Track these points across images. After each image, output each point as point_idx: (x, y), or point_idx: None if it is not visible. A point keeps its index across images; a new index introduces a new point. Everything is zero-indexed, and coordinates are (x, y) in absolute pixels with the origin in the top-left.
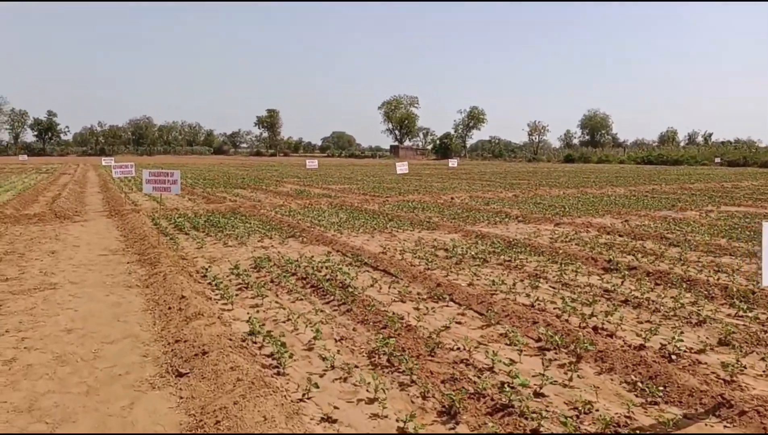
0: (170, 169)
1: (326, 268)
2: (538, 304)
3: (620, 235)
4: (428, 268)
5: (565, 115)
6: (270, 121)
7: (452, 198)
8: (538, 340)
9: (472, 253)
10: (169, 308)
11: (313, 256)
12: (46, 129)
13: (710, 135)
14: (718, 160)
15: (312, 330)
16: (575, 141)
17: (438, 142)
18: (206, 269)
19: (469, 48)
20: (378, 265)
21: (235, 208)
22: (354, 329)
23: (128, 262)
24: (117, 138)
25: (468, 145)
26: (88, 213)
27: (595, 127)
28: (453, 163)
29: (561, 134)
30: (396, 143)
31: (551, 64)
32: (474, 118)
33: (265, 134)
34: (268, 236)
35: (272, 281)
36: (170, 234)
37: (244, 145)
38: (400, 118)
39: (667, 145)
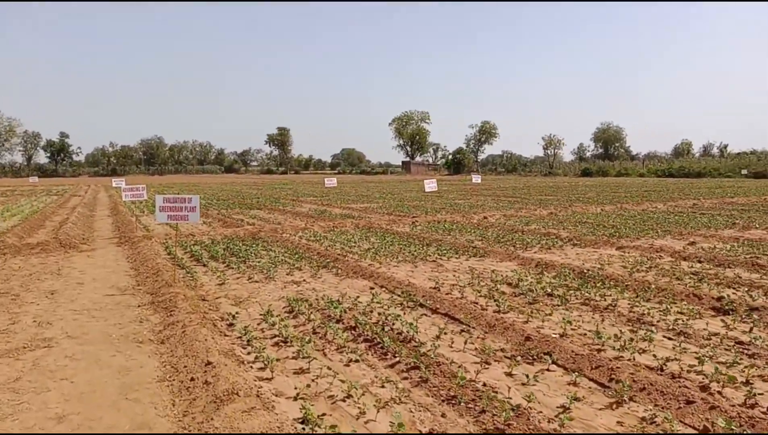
0: (185, 193)
1: (376, 311)
2: (669, 367)
3: (699, 262)
4: (500, 311)
5: (573, 128)
6: (281, 139)
7: (485, 217)
8: (705, 430)
9: (544, 288)
10: (192, 380)
11: (356, 296)
12: (59, 150)
13: (725, 146)
14: (744, 171)
15: (386, 415)
16: (587, 154)
17: (450, 157)
18: (233, 316)
19: (479, 61)
20: (437, 306)
21: (255, 233)
22: (443, 415)
23: (139, 305)
24: (128, 158)
25: (478, 160)
26: (96, 240)
27: (608, 140)
28: (477, 178)
29: (573, 148)
30: (407, 159)
31: (559, 77)
32: (486, 133)
33: (276, 152)
34: (297, 268)
35: (315, 332)
36: (186, 266)
37: (255, 163)
38: (411, 134)
39: (683, 158)
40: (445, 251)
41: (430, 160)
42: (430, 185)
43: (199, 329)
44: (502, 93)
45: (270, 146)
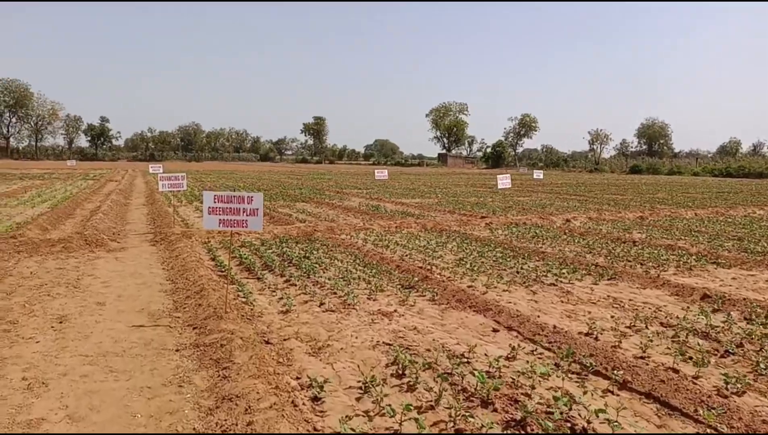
0: (245, 192)
1: (529, 378)
2: None
3: None
4: (725, 389)
5: (614, 124)
6: (316, 129)
7: (568, 220)
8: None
9: (751, 343)
10: None
11: (482, 345)
12: (99, 134)
13: None
14: None
15: None
16: (630, 151)
17: (489, 150)
18: (318, 385)
19: (517, 54)
20: (626, 378)
21: (309, 233)
22: None
23: (178, 349)
24: (166, 144)
25: (516, 154)
26: (127, 236)
27: (652, 136)
28: (538, 174)
29: (616, 144)
30: (444, 151)
31: (599, 70)
32: (525, 126)
33: (311, 141)
34: (378, 288)
35: (453, 422)
36: (236, 280)
37: (289, 152)
38: (448, 126)
39: (739, 157)
40: (557, 269)
41: (465, 153)
42: (504, 182)
43: (274, 417)
44: (538, 86)
45: (305, 135)
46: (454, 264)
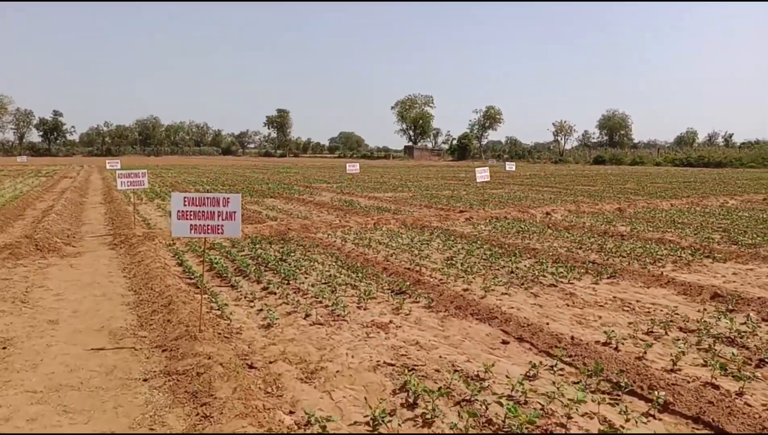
0: (221, 193)
1: (562, 409)
2: None
3: None
4: None
5: (572, 115)
6: (280, 122)
7: (548, 214)
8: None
9: None
10: None
11: (494, 363)
12: (52, 129)
13: (731, 136)
14: None
15: None
16: (592, 141)
17: (455, 142)
18: (318, 420)
19: (479, 46)
20: (668, 400)
21: (283, 232)
22: None
23: (146, 379)
24: (124, 138)
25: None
26: (83, 239)
27: (613, 127)
28: (510, 166)
29: (579, 135)
30: (410, 144)
31: (562, 61)
32: (490, 118)
33: (274, 134)
34: (368, 295)
35: None
36: (209, 289)
37: (252, 145)
38: (414, 118)
39: (698, 147)
40: (552, 267)
41: (430, 146)
42: (482, 175)
43: None
44: (502, 78)
45: (269, 128)
46: (444, 264)
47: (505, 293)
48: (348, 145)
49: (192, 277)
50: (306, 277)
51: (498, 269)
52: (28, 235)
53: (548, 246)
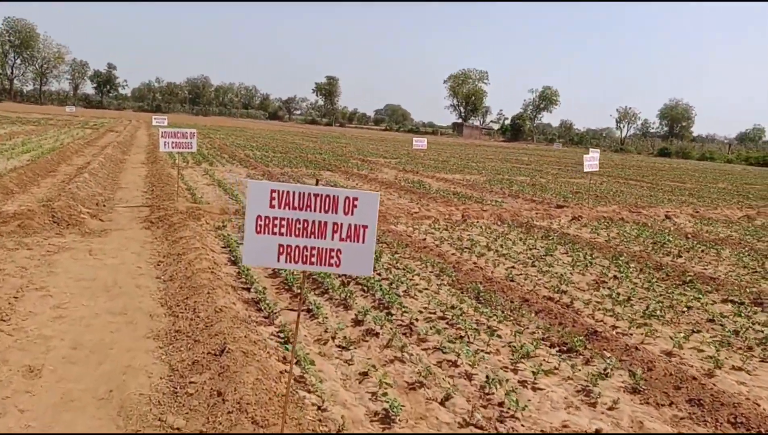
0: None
1: None
2: None
3: None
4: None
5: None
6: (329, 89)
7: (668, 217)
8: None
9: None
10: None
11: None
12: (105, 81)
13: None
14: None
15: None
16: (651, 131)
17: (507, 122)
18: None
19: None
20: None
21: None
22: None
23: None
24: (174, 96)
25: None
26: (115, 209)
27: (675, 118)
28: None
29: (638, 124)
30: (460, 120)
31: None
32: (546, 99)
33: (321, 102)
34: (526, 353)
35: None
36: (274, 310)
37: (298, 112)
38: (467, 94)
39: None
40: (761, 312)
41: (478, 124)
42: (591, 163)
43: None
44: (558, 58)
45: (317, 95)
46: (594, 292)
47: (741, 368)
48: (393, 118)
49: (249, 286)
50: (412, 302)
51: (682, 311)
52: (48, 202)
53: (726, 272)
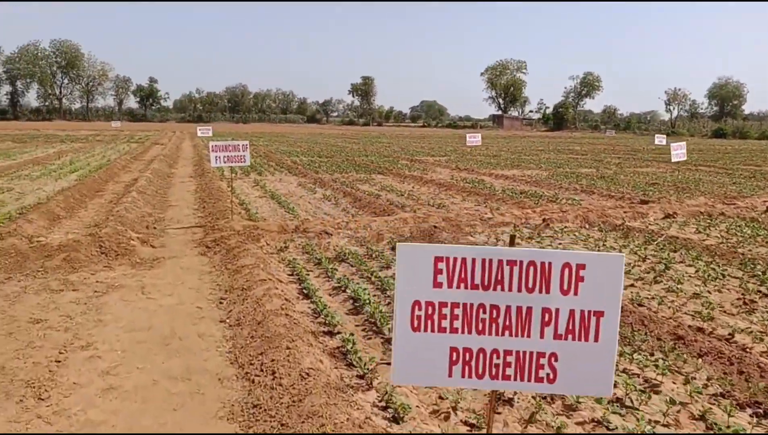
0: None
1: None
2: None
3: None
4: None
5: (674, 83)
6: (364, 89)
7: None
8: None
9: None
10: None
11: None
12: (148, 95)
13: None
14: None
15: None
16: (700, 112)
17: (548, 111)
18: None
19: (575, 9)
20: None
21: (428, 231)
22: None
23: None
24: (214, 105)
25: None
26: (166, 231)
27: (725, 97)
28: (660, 140)
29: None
30: (499, 112)
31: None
32: (588, 86)
33: (357, 103)
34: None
35: None
36: (359, 359)
37: (335, 114)
38: (505, 85)
39: None
40: None
41: (517, 114)
42: (678, 152)
43: None
44: (597, 44)
45: (353, 96)
46: (746, 316)
47: None
48: (430, 114)
49: (332, 328)
50: None
51: None
52: (95, 227)
53: None
